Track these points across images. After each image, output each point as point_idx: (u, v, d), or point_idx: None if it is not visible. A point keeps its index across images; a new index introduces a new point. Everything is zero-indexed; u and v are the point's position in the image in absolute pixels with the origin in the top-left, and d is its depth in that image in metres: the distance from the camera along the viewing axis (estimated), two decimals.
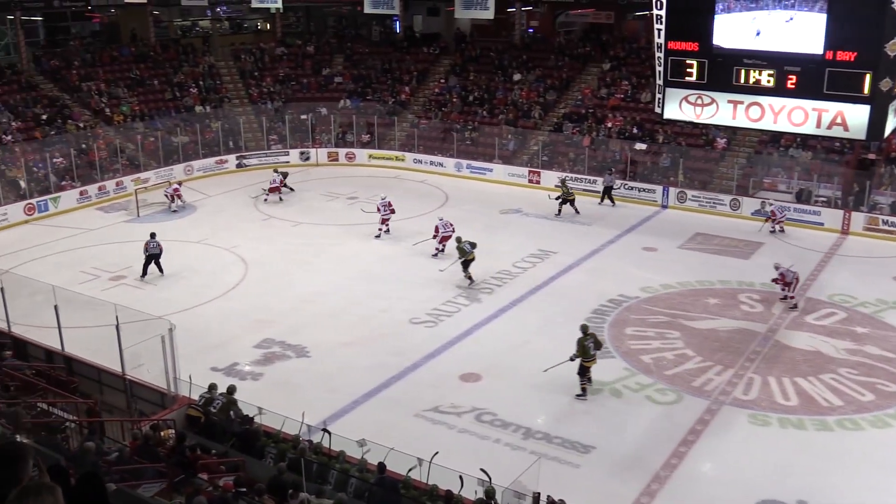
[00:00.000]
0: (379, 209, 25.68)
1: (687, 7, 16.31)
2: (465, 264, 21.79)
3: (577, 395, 16.33)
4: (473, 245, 21.78)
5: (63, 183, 29.74)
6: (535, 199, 29.86)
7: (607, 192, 29.35)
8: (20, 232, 26.57)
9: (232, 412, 13.83)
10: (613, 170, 30.01)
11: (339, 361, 17.77)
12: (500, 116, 34.89)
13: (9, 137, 30.59)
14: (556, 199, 28.19)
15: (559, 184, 28.52)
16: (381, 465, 11.71)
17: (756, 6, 15.37)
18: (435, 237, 23.76)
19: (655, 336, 18.89)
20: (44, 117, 32.20)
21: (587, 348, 16.32)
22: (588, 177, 30.70)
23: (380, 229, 25.63)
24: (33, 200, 28.32)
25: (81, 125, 32.76)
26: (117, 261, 23.74)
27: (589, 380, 16.53)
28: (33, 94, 33.32)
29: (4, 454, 3.63)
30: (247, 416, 13.67)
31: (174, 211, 28.66)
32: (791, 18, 15.00)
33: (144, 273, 22.42)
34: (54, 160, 30.00)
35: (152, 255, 22.42)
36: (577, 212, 28.09)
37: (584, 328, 16.77)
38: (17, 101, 32.53)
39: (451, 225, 23.89)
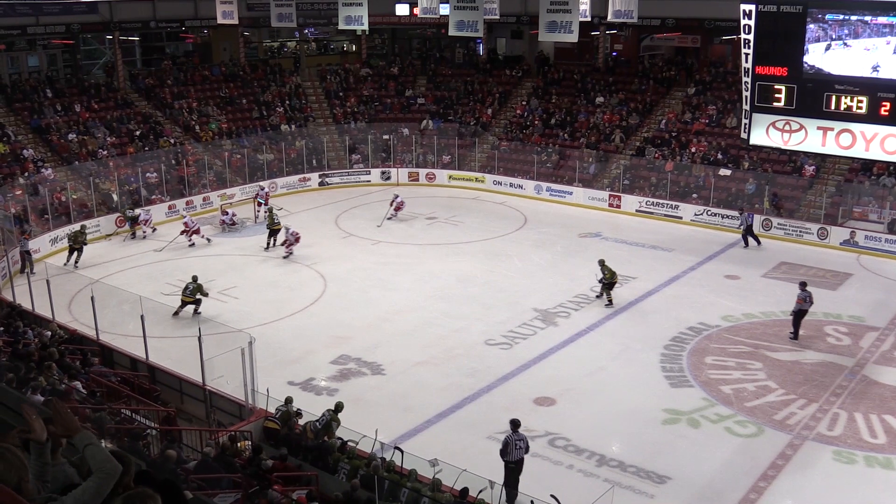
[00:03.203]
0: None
1: (776, 32, 16.00)
2: (184, 303, 21.16)
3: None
4: (201, 291, 21.09)
5: (153, 197, 30.73)
6: (616, 223, 29.58)
7: (749, 233, 27.22)
8: (111, 243, 27.46)
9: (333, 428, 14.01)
10: (745, 209, 28.09)
11: (414, 380, 17.84)
12: (581, 139, 34.72)
13: (104, 152, 31.80)
14: (268, 226, 27.04)
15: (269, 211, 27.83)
16: (465, 491, 11.64)
17: (850, 33, 15.00)
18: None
19: (736, 366, 18.42)
20: (137, 133, 33.40)
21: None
22: (669, 202, 30.27)
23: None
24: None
25: (172, 141, 33.85)
26: (202, 273, 24.27)
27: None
28: (128, 111, 34.59)
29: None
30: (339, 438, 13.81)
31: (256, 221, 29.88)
32: (888, 43, 14.59)
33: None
34: (146, 175, 31.04)
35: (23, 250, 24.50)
36: (271, 244, 26.93)
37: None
38: (113, 117, 33.82)
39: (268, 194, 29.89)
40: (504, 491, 11.76)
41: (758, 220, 28.29)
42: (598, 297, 22.23)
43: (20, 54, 37.53)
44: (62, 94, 33.93)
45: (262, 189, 31.19)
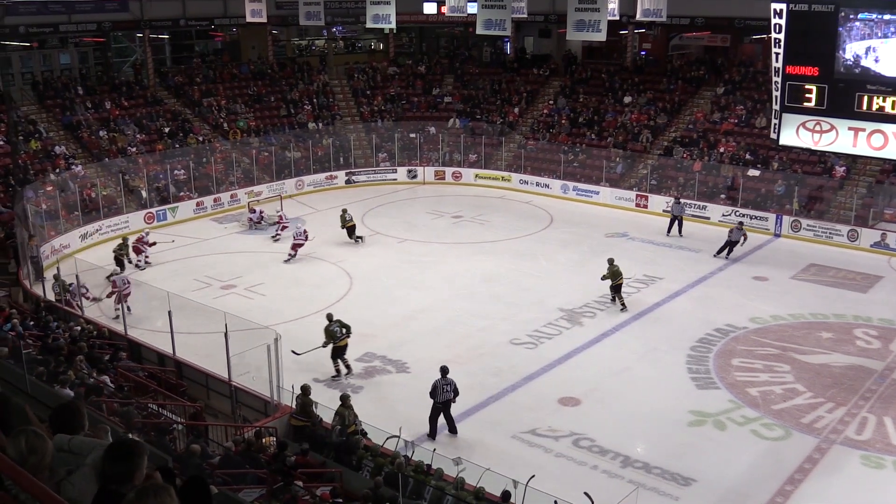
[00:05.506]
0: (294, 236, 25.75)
1: (807, 31, 15.84)
2: (336, 352, 17.76)
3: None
4: (347, 329, 17.78)
5: (181, 194, 30.99)
6: (642, 224, 29.42)
7: (677, 222, 27.88)
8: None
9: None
10: (681, 199, 28.63)
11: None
12: (608, 139, 34.56)
13: (133, 149, 32.12)
14: (342, 227, 26.85)
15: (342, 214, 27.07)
16: (506, 494, 11.64)
17: (881, 32, 14.82)
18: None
19: (764, 369, 18.25)
20: (166, 131, 33.70)
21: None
22: (697, 202, 30.05)
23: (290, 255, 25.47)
24: (153, 209, 29.63)
25: (201, 139, 34.11)
26: (228, 270, 24.52)
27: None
28: (157, 109, 34.91)
29: (122, 449, 3.61)
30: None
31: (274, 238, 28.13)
32: None
33: None
34: (174, 172, 31.30)
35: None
36: (357, 240, 26.86)
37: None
38: (143, 114, 34.15)
39: (306, 232, 25.58)
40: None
41: (787, 220, 28.03)
42: (612, 300, 21.59)
43: (52, 52, 38.01)
44: (93, 92, 34.32)
45: (300, 230, 27.44)
